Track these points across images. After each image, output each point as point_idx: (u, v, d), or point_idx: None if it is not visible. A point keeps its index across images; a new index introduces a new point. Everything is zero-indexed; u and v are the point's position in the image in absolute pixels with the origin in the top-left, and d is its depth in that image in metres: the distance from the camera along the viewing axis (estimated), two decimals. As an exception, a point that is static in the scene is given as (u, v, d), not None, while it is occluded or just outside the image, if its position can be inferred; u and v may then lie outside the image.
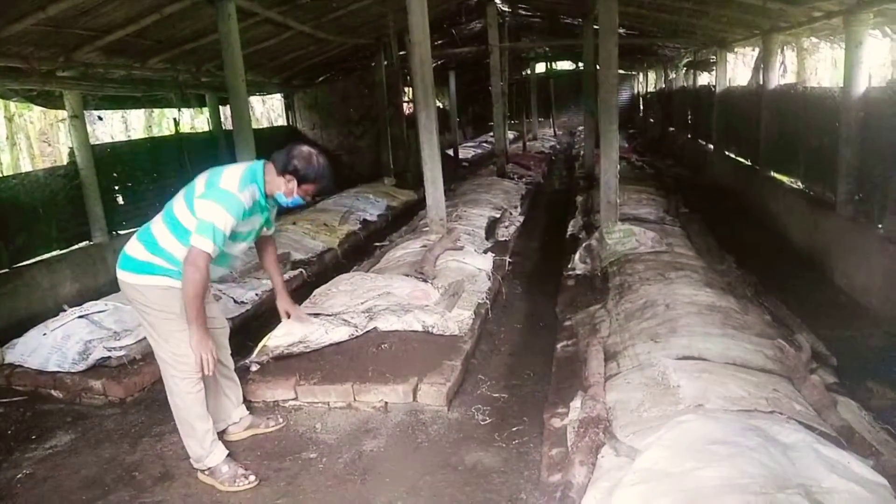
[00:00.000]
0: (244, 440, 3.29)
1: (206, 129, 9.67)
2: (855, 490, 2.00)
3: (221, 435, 3.16)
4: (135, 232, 2.91)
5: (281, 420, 3.42)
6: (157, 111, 13.23)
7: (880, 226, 4.70)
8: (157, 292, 2.77)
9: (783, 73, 8.63)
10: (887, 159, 4.67)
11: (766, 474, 2.01)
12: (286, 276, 5.80)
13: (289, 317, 3.48)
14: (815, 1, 5.77)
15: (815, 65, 9.23)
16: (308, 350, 3.84)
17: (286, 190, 2.88)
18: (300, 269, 6.19)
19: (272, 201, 2.96)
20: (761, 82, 8.22)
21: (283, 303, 3.40)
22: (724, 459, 2.10)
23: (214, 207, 2.64)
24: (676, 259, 5.04)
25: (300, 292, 4.98)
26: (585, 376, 3.23)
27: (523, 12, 13.38)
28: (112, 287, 5.41)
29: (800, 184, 6.91)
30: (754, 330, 3.48)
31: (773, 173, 7.80)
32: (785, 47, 8.46)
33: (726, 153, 10.24)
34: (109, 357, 4.03)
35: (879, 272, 4.48)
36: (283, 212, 3.16)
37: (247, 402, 3.50)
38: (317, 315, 4.19)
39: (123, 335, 4.17)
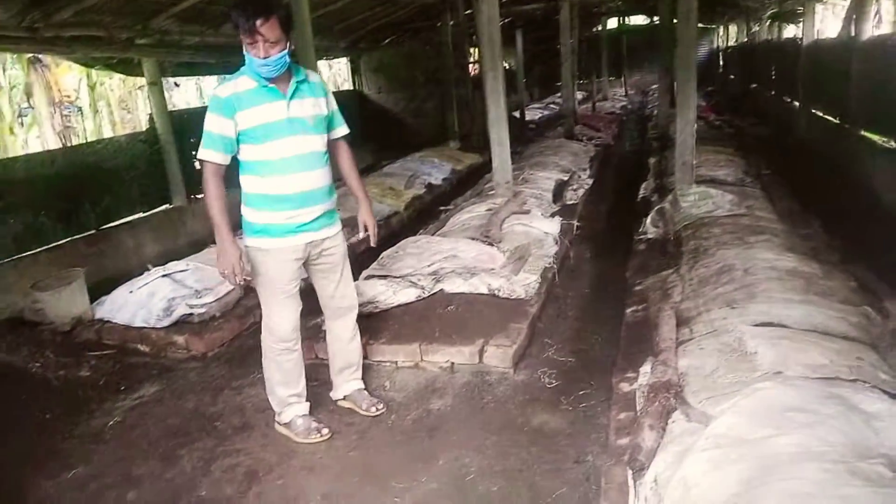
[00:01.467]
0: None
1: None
2: (946, 464, 1.88)
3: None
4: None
5: (382, 407, 3.18)
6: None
7: None
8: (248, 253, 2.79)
9: (878, 24, 7.97)
10: None
11: (847, 443, 1.92)
12: (353, 239, 5.90)
13: (366, 230, 3.12)
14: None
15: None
16: (377, 310, 3.92)
17: (251, 51, 2.51)
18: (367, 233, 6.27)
19: (278, 81, 2.62)
20: (853, 34, 7.62)
21: (363, 213, 3.07)
22: (801, 427, 2.02)
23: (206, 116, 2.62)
24: (757, 222, 4.80)
25: (367, 255, 5.07)
26: (656, 341, 3.15)
27: (594, -35, 12.86)
28: (192, 248, 5.67)
29: (894, 143, 6.41)
30: (838, 296, 3.29)
31: (864, 132, 7.27)
32: (883, -6, 7.80)
33: (813, 111, 9.61)
34: (192, 314, 4.25)
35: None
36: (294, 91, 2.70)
37: (318, 359, 3.61)
38: (384, 277, 4.26)
39: (204, 293, 4.37)
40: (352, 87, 12.68)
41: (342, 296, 3.06)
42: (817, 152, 8.71)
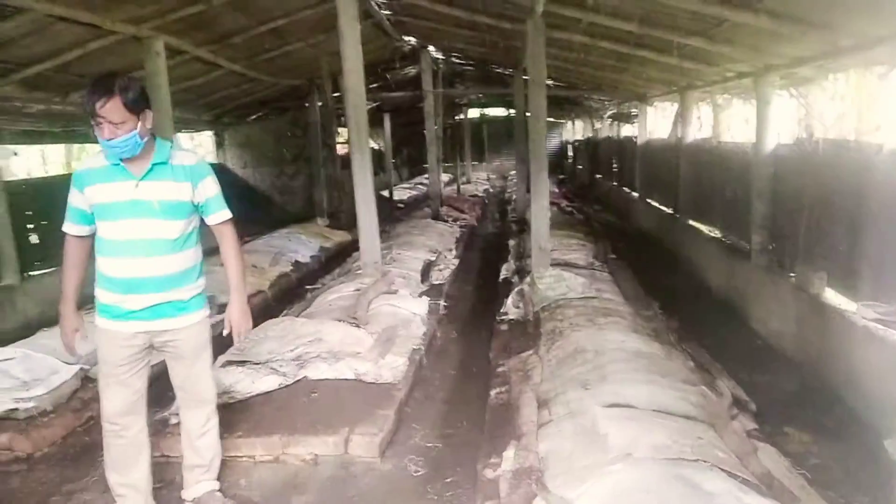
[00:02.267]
0: None
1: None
2: (775, 537, 2.06)
3: None
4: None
5: None
6: (77, 146, 12.71)
7: (792, 274, 5.00)
8: None
9: (700, 127, 9.20)
10: (796, 212, 5.01)
11: (693, 524, 2.05)
12: (211, 321, 5.60)
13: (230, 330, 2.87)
14: (727, 63, 6.21)
15: (729, 120, 9.87)
16: (233, 401, 3.69)
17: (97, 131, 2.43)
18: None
19: (131, 162, 2.52)
20: (679, 136, 8.72)
21: (233, 309, 2.82)
22: (652, 510, 2.13)
23: None
24: (605, 305, 5.17)
25: (227, 338, 4.80)
26: (518, 424, 3.24)
27: (456, 60, 13.77)
28: (24, 332, 5.05)
29: (717, 233, 7.29)
30: (678, 376, 3.59)
31: (692, 222, 8.21)
32: (701, 103, 9.03)
33: (649, 201, 10.73)
34: (16, 409, 3.74)
35: (793, 318, 4.75)
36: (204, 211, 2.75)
37: (163, 457, 3.31)
38: (243, 363, 4.04)
39: (34, 385, 3.88)
40: (215, 161, 12.34)
41: (193, 387, 2.84)
42: (654, 238, 9.67)
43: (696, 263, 7.48)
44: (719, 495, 2.27)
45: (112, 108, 2.37)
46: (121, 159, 2.48)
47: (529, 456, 2.81)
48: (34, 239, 6.73)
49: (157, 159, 2.57)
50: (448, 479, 3.24)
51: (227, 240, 2.81)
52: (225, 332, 2.89)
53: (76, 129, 7.31)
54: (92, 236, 2.64)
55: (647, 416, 2.97)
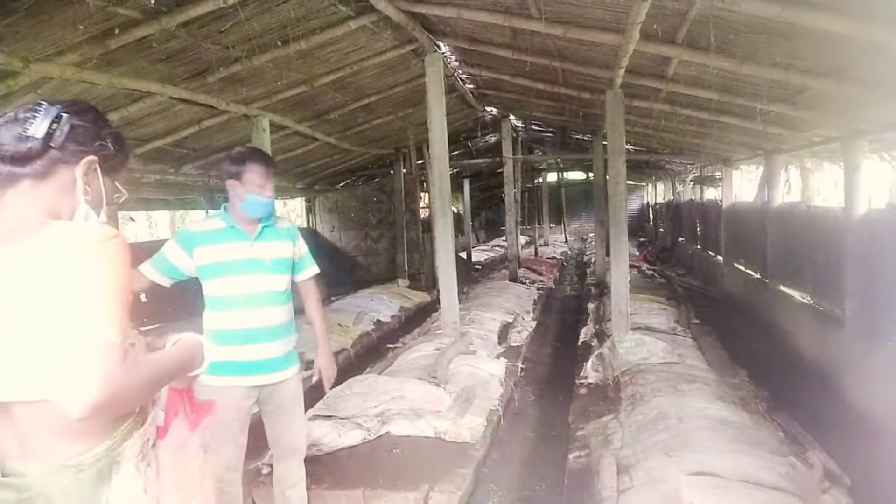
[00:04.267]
0: None
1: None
2: None
3: None
4: None
5: None
6: (180, 212, 13.81)
7: (889, 343, 4.75)
8: None
9: (787, 191, 8.97)
10: (891, 278, 4.80)
11: None
12: (302, 375, 5.87)
13: (320, 375, 3.05)
14: (814, 128, 6.13)
15: (819, 183, 9.59)
16: (321, 453, 3.86)
17: (237, 194, 2.72)
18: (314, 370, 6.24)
19: (246, 224, 2.78)
20: (766, 199, 8.53)
21: (321, 358, 3.02)
22: (737, 581, 2.10)
23: None
24: (688, 371, 5.07)
25: (314, 392, 5.03)
26: (598, 489, 3.23)
27: (536, 128, 14.14)
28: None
29: (808, 299, 7.00)
30: (767, 446, 3.48)
31: (781, 287, 7.92)
32: (788, 166, 8.85)
33: (735, 265, 10.42)
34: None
35: (892, 389, 4.49)
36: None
37: (256, 505, 3.48)
38: (330, 417, 4.24)
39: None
40: (306, 225, 13.07)
41: (289, 439, 3.02)
42: (741, 304, 9.34)
43: (786, 330, 7.18)
44: (809, 570, 2.20)
45: (271, 176, 2.80)
46: (250, 219, 2.79)
47: (609, 521, 2.80)
48: (143, 297, 7.33)
49: (266, 223, 2.88)
50: (527, 542, 3.24)
51: (314, 294, 3.06)
52: (315, 379, 3.07)
53: (186, 197, 8.03)
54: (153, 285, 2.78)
55: (733, 486, 2.91)
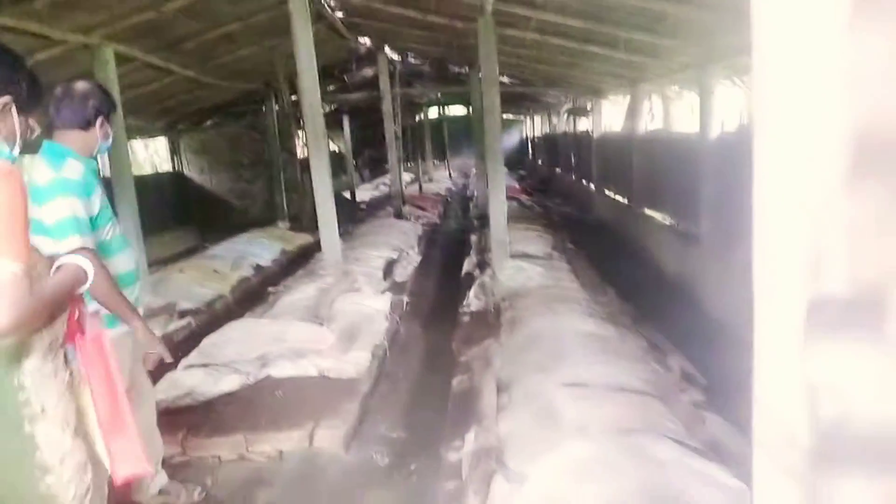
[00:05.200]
0: None
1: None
2: (720, 497, 2.19)
3: None
4: None
5: (202, 491, 3.04)
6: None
7: (737, 256, 5.21)
8: None
9: (651, 119, 9.46)
10: (741, 195, 5.21)
11: (642, 489, 2.17)
12: (172, 327, 5.56)
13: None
14: (673, 55, 6.43)
15: (678, 111, 10.18)
16: (196, 403, 3.69)
17: (104, 135, 2.55)
18: (188, 319, 5.94)
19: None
20: (632, 128, 8.95)
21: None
22: (603, 478, 2.25)
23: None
24: (563, 292, 5.32)
25: (188, 343, 4.79)
26: (479, 409, 3.33)
27: (413, 61, 13.84)
28: None
29: (669, 220, 7.52)
30: (631, 356, 3.74)
31: (646, 210, 8.44)
32: (651, 95, 9.29)
33: (606, 192, 10.97)
34: None
35: (742, 296, 4.94)
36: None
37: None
38: (205, 366, 4.05)
39: None
40: (171, 168, 12.16)
41: (144, 379, 2.86)
42: (611, 228, 9.90)
43: (650, 250, 7.70)
44: (669, 462, 2.39)
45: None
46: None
47: (489, 437, 2.90)
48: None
49: None
50: (413, 466, 3.31)
51: None
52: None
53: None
54: None
55: (600, 393, 3.09)
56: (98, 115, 2.49)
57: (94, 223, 2.40)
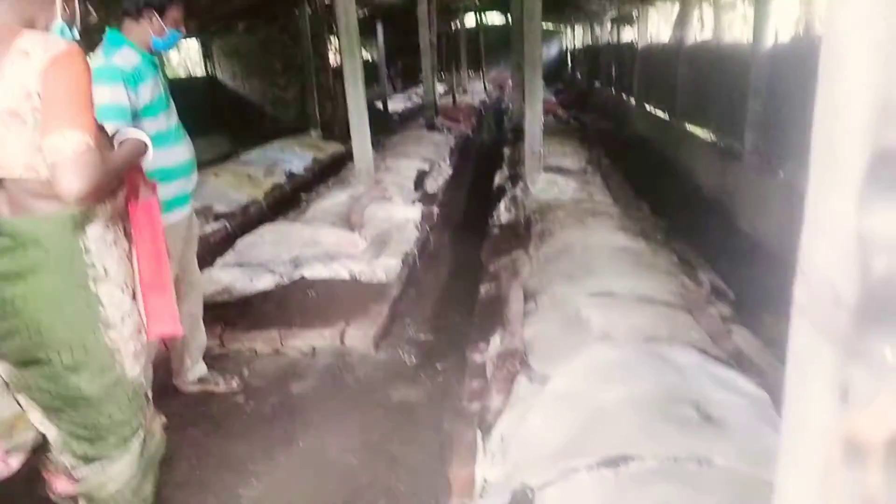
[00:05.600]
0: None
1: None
2: (739, 402, 2.22)
3: None
4: None
5: (239, 382, 3.23)
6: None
7: (781, 172, 5.04)
8: None
9: (701, 29, 8.94)
10: (790, 111, 4.98)
11: (661, 391, 2.21)
12: (208, 229, 5.69)
13: None
14: (728, -43, 5.99)
15: (731, 19, 9.60)
16: (232, 299, 3.83)
17: (156, 30, 2.56)
18: (223, 222, 6.06)
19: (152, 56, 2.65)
20: (680, 38, 8.50)
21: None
22: (624, 380, 2.29)
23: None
24: (595, 206, 5.25)
25: (223, 245, 4.91)
26: (505, 315, 3.38)
27: (451, -38, 13.22)
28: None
29: (712, 136, 7.26)
30: (661, 269, 3.71)
31: (688, 126, 8.15)
32: (703, 2, 8.75)
33: (647, 107, 10.58)
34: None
35: (779, 215, 4.83)
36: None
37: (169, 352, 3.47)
38: (241, 265, 4.16)
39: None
40: (204, 73, 12.05)
41: (192, 268, 2.98)
42: (649, 144, 9.62)
43: (690, 167, 7.50)
44: (689, 367, 2.42)
45: None
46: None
47: (514, 340, 2.96)
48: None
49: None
50: (439, 366, 3.42)
51: None
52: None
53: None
54: None
55: (627, 303, 3.10)
56: (146, 6, 2.51)
57: (143, 113, 2.49)
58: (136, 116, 2.45)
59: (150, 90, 2.51)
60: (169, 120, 2.63)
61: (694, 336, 2.82)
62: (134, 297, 1.79)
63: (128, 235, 1.79)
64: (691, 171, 7.38)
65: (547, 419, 2.21)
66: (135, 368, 1.77)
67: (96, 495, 1.79)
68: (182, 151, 2.68)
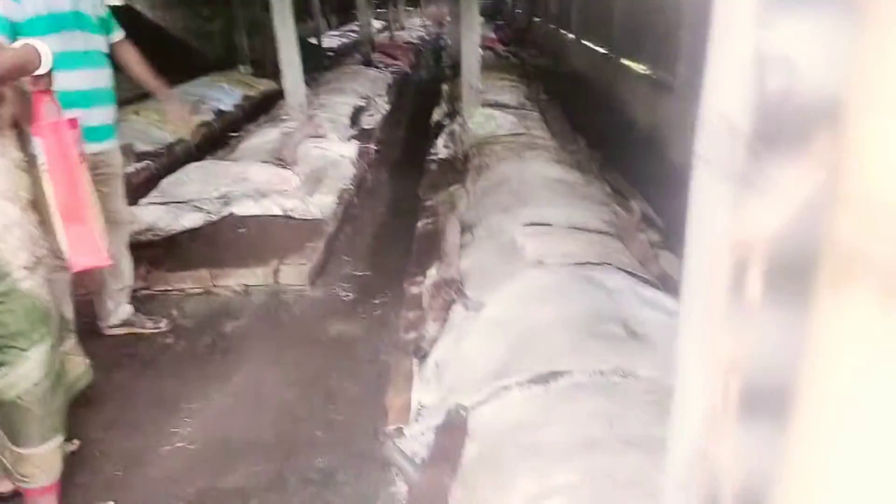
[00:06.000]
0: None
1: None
2: (663, 319, 2.30)
3: None
4: None
5: (166, 322, 3.14)
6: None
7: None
8: None
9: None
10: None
11: (591, 311, 2.26)
12: (130, 169, 5.39)
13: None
14: None
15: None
16: (158, 238, 3.67)
17: None
18: (147, 162, 5.75)
19: None
20: (616, -31, 8.39)
21: (171, 103, 3.18)
22: (556, 303, 2.33)
23: None
24: (532, 141, 5.24)
25: (148, 186, 4.67)
26: (442, 247, 3.37)
27: None
28: None
29: (646, 69, 7.30)
30: (595, 199, 3.76)
31: (624, 61, 8.15)
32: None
33: (585, 42, 10.52)
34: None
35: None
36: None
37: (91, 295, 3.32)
38: (166, 203, 3.98)
39: None
40: (121, 2, 11.18)
41: (114, 209, 2.83)
42: (587, 79, 9.61)
43: (626, 100, 7.54)
44: (618, 289, 2.48)
45: None
46: None
47: (450, 270, 2.96)
48: None
49: None
50: (377, 301, 3.40)
51: (135, 53, 2.89)
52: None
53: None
54: None
55: (560, 232, 3.14)
56: None
57: (26, 27, 2.30)
58: (18, 31, 2.27)
59: (31, 5, 2.31)
60: (69, 42, 2.41)
61: (624, 260, 2.88)
62: (26, 209, 1.73)
63: (26, 151, 1.74)
64: (627, 105, 7.43)
65: (481, 343, 2.23)
66: (28, 280, 1.72)
67: (3, 397, 1.76)
68: (74, 79, 2.45)
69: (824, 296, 0.44)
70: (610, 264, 2.75)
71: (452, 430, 1.83)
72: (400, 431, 2.01)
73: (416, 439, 1.92)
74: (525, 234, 3.10)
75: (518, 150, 4.87)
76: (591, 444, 1.47)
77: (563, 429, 1.57)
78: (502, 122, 5.80)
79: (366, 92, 8.34)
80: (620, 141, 6.11)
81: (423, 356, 2.44)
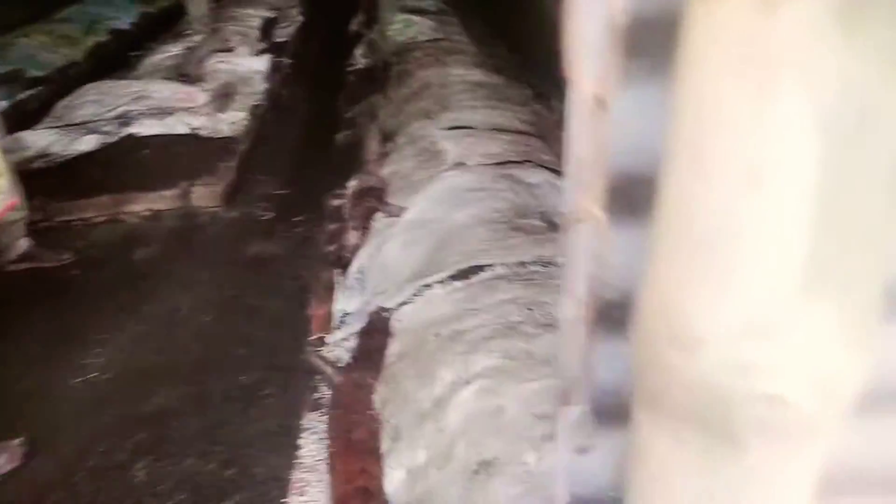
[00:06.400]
0: None
1: None
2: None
3: None
4: None
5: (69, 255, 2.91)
6: None
7: None
8: None
9: None
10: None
11: (511, 208, 2.22)
12: (21, 96, 4.90)
13: None
14: None
15: None
16: (50, 164, 3.37)
17: None
18: (39, 88, 5.24)
19: None
20: None
21: None
22: (476, 202, 2.28)
23: None
24: (453, 45, 5.05)
25: (42, 113, 4.26)
26: (362, 157, 3.25)
27: None
28: None
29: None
30: (515, 101, 3.68)
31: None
32: None
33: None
34: None
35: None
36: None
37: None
38: (58, 127, 3.65)
39: None
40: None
41: None
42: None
43: (548, 4, 7.36)
44: (539, 185, 2.45)
45: None
46: None
47: (371, 179, 2.86)
48: None
49: None
50: (297, 218, 3.26)
51: None
52: None
53: None
54: None
55: (481, 133, 3.06)
56: None
57: None
58: None
59: None
60: None
61: (544, 158, 2.85)
62: None
63: None
64: (549, 8, 7.25)
65: (403, 247, 2.18)
66: None
67: None
68: None
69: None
70: (531, 162, 2.70)
71: (375, 332, 1.79)
72: (322, 340, 1.95)
73: (339, 345, 1.88)
74: (446, 137, 3.01)
75: (438, 55, 4.68)
76: (510, 329, 1.45)
77: (483, 318, 1.55)
78: (422, 28, 5.55)
79: (277, 3, 7.79)
80: (541, 43, 5.97)
81: (345, 265, 2.37)
